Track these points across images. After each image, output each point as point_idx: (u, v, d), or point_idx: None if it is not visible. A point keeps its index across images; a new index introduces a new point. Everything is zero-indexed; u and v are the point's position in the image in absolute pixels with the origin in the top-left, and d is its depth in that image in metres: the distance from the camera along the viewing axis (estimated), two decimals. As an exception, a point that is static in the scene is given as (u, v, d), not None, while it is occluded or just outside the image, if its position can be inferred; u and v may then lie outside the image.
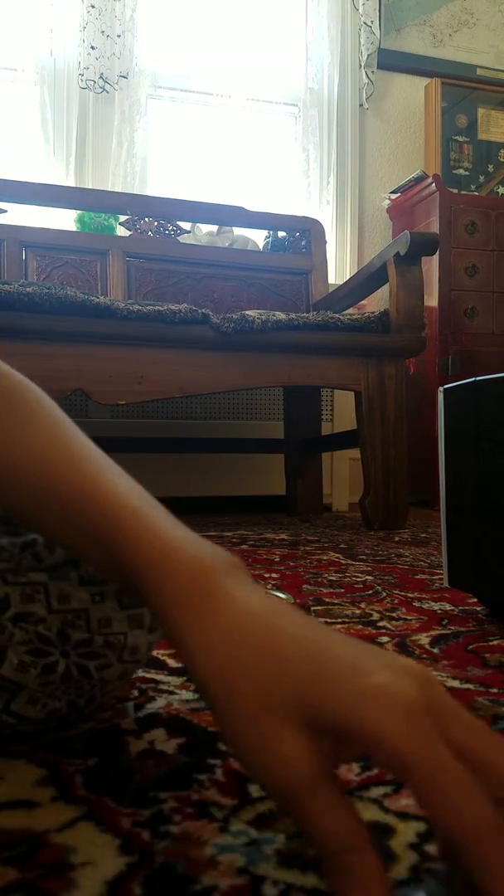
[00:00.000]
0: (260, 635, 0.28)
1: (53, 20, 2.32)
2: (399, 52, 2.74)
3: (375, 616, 0.79)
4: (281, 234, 2.26)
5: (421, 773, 0.23)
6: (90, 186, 2.34)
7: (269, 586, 0.95)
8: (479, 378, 0.74)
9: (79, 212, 2.18)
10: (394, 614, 0.80)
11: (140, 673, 0.58)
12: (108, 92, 2.37)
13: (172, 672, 0.58)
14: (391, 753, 0.24)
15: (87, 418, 2.15)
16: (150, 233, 2.11)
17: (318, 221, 2.27)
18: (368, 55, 2.65)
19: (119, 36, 2.35)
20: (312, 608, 0.83)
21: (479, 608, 0.83)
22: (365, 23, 2.63)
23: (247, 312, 1.59)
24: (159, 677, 0.57)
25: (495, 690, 0.53)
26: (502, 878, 0.22)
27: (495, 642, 0.68)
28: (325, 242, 2.27)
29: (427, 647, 0.66)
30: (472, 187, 2.73)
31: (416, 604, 0.86)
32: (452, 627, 0.74)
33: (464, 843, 0.23)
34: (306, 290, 2.23)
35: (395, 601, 0.87)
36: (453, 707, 0.26)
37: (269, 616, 0.28)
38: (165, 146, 2.52)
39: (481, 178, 2.75)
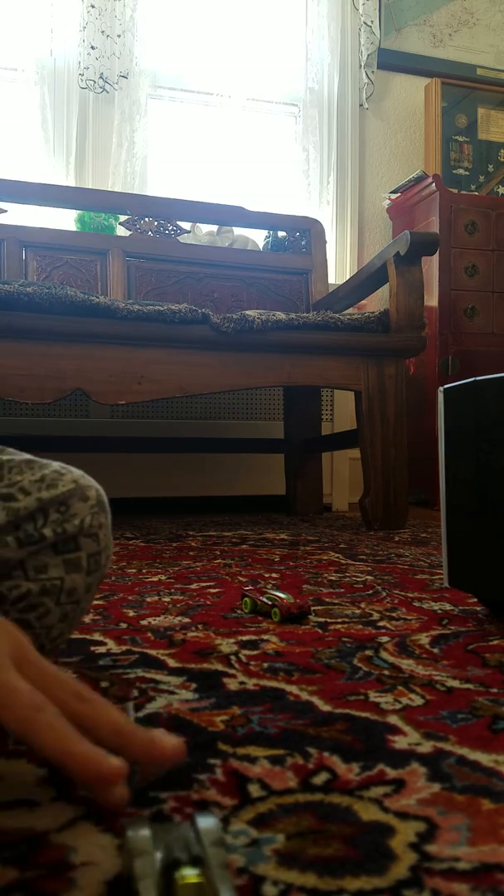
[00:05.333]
0: None
1: (53, 20, 2.32)
2: (399, 52, 2.74)
3: (375, 616, 0.79)
4: (281, 234, 2.26)
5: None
6: (90, 186, 2.34)
7: (270, 586, 0.96)
8: (479, 378, 0.74)
9: (79, 212, 2.18)
10: (394, 614, 0.80)
11: (140, 673, 0.58)
12: (108, 92, 2.37)
13: (172, 672, 0.58)
14: None
15: (87, 418, 2.15)
16: (150, 233, 2.11)
17: (318, 221, 2.27)
18: (368, 55, 2.65)
19: (119, 36, 2.35)
20: (312, 608, 0.83)
21: (479, 608, 0.83)
22: (365, 23, 2.63)
23: (247, 312, 1.59)
24: (159, 677, 0.57)
25: (495, 690, 0.53)
26: (51, 736, 0.30)
27: (495, 642, 0.68)
28: (325, 242, 2.27)
29: (427, 646, 0.66)
30: (472, 187, 2.73)
31: (416, 604, 0.86)
32: (452, 627, 0.74)
33: (17, 718, 0.31)
34: (306, 290, 2.23)
35: (395, 601, 0.87)
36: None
37: None
38: (165, 146, 2.52)
39: (481, 178, 2.75)
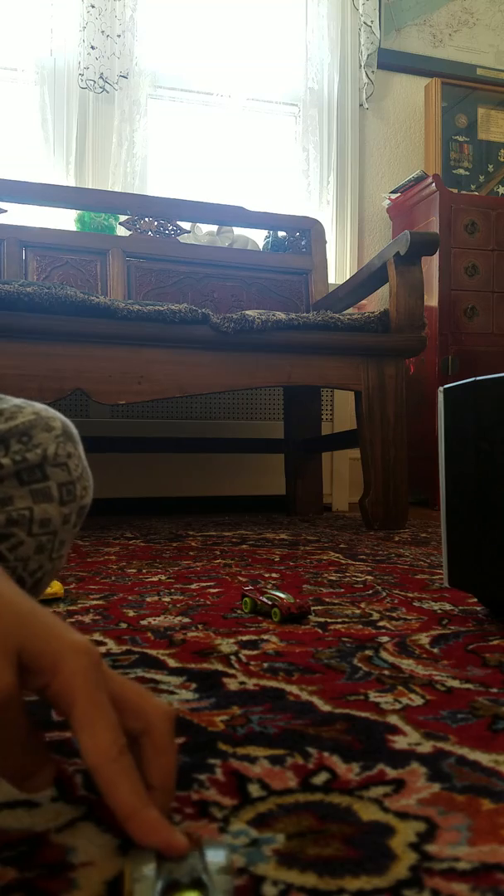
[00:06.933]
0: None
1: (53, 20, 2.32)
2: (399, 51, 2.74)
3: (375, 616, 0.79)
4: (281, 233, 2.26)
5: (81, 705, 0.29)
6: (90, 186, 2.34)
7: (270, 586, 0.96)
8: (479, 378, 0.74)
9: (79, 212, 2.18)
10: (394, 614, 0.80)
11: (140, 673, 0.58)
12: (108, 92, 2.37)
13: (172, 672, 0.58)
14: (68, 686, 0.30)
15: (87, 418, 2.15)
16: (150, 233, 2.11)
17: (318, 221, 2.27)
18: (368, 55, 2.65)
19: (119, 36, 2.35)
20: (312, 608, 0.83)
21: (479, 608, 0.83)
22: (365, 23, 2.63)
23: (247, 312, 1.59)
24: (159, 677, 0.57)
25: (495, 690, 0.53)
26: (122, 791, 0.28)
27: (495, 642, 0.68)
28: (325, 242, 2.27)
29: (427, 646, 0.66)
30: (472, 187, 2.73)
31: (416, 604, 0.86)
32: (452, 627, 0.74)
33: (93, 764, 0.29)
34: (306, 289, 2.23)
35: (395, 601, 0.87)
36: (107, 668, 0.32)
37: None
38: (165, 146, 2.52)
39: (481, 178, 2.75)
